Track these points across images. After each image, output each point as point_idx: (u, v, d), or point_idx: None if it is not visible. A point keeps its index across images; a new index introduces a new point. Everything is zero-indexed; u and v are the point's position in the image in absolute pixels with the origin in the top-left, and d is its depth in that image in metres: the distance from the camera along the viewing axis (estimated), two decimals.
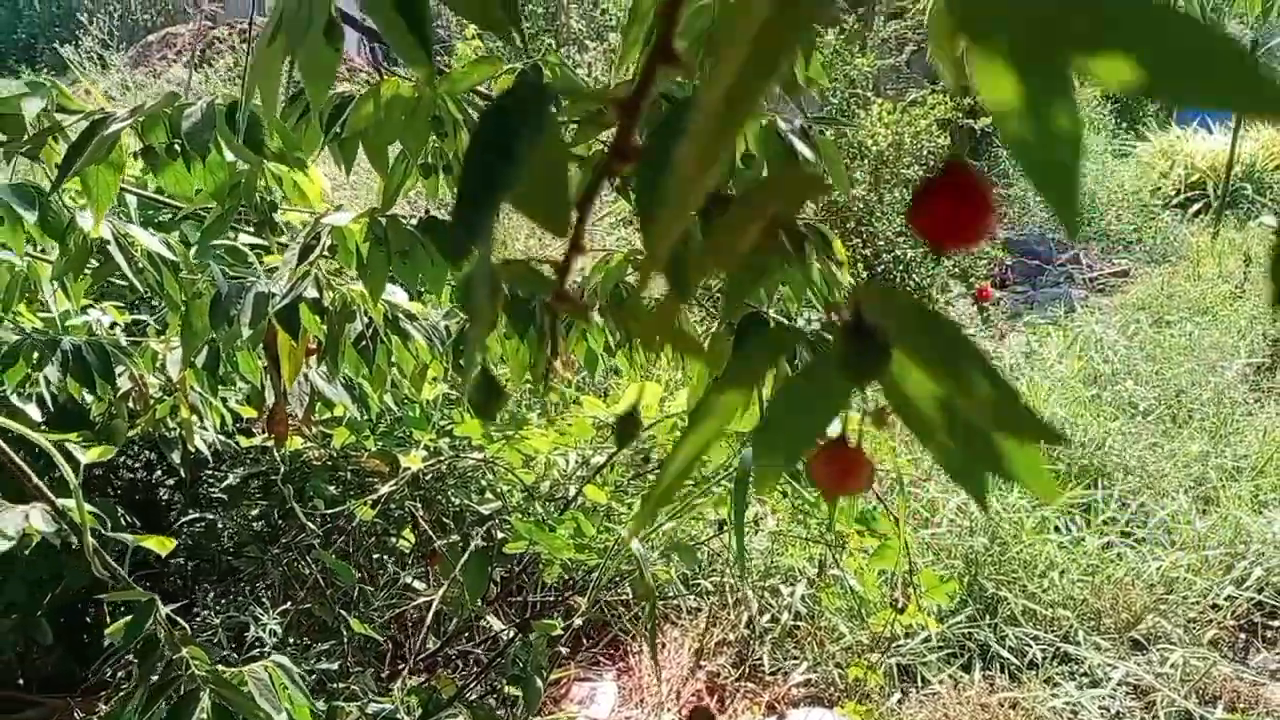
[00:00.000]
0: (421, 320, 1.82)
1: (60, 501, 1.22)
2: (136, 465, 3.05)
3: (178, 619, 1.29)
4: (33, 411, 2.21)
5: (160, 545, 1.37)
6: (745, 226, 0.35)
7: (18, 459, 1.24)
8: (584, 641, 3.93)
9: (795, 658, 3.73)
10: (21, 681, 2.54)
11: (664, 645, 3.87)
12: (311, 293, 1.61)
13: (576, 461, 2.78)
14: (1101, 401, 5.67)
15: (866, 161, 8.72)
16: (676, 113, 0.34)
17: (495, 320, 1.34)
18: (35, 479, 1.23)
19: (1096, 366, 6.24)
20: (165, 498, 3.04)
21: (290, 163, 1.22)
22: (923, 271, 8.39)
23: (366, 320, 1.74)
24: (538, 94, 0.32)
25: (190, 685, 1.14)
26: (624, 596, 3.82)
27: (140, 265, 1.59)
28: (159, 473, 3.06)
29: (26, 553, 2.50)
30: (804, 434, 0.40)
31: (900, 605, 2.25)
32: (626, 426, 0.53)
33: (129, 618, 1.28)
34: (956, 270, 8.82)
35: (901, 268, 8.35)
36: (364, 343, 1.76)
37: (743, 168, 1.12)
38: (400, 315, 1.78)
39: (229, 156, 1.24)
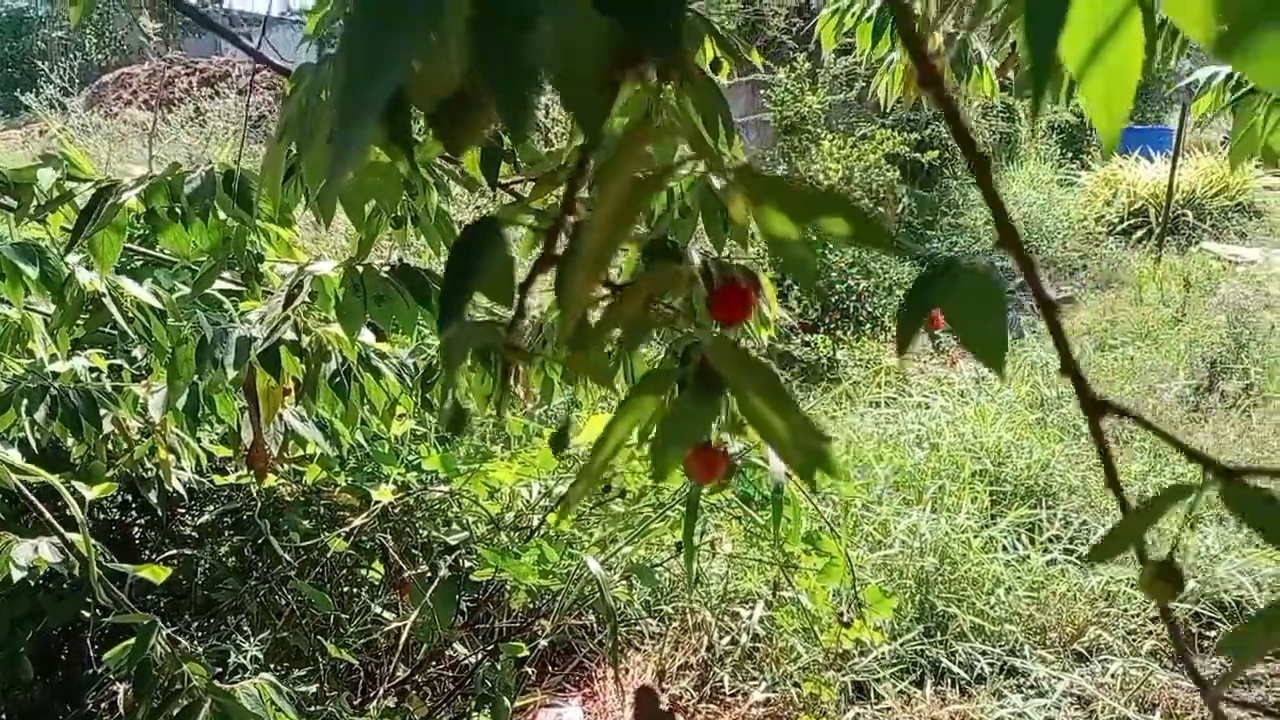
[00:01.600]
0: (391, 358, 1.95)
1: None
2: (110, 505, 3.14)
3: (178, 639, 1.40)
4: (14, 455, 2.30)
5: (154, 574, 1.48)
6: (630, 305, 0.51)
7: (32, 497, 1.35)
8: (550, 669, 4.04)
9: (755, 678, 3.86)
10: (4, 716, 2.62)
11: (627, 670, 3.98)
12: (290, 335, 1.73)
13: (539, 492, 2.90)
14: (1046, 424, 5.88)
15: None
16: (577, 239, 0.50)
17: (466, 367, 1.48)
18: (47, 514, 1.34)
19: (1042, 391, 6.46)
20: (138, 536, 3.13)
21: (281, 222, 1.35)
22: (874, 301, 8.61)
23: (341, 359, 1.87)
24: (491, 226, 0.47)
25: (191, 698, 1.25)
26: (588, 623, 3.94)
27: (130, 314, 1.70)
28: (133, 512, 3.14)
29: (4, 593, 2.58)
30: (686, 440, 0.56)
31: (847, 621, 2.38)
32: (559, 440, 0.69)
33: (130, 641, 1.39)
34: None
35: (854, 298, 8.56)
36: (338, 379, 1.88)
37: (680, 219, 1.27)
38: (373, 354, 1.91)
39: (222, 215, 1.37)
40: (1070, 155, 15.25)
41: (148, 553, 3.04)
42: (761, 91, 10.67)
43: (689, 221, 1.32)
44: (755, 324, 1.66)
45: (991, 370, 0.52)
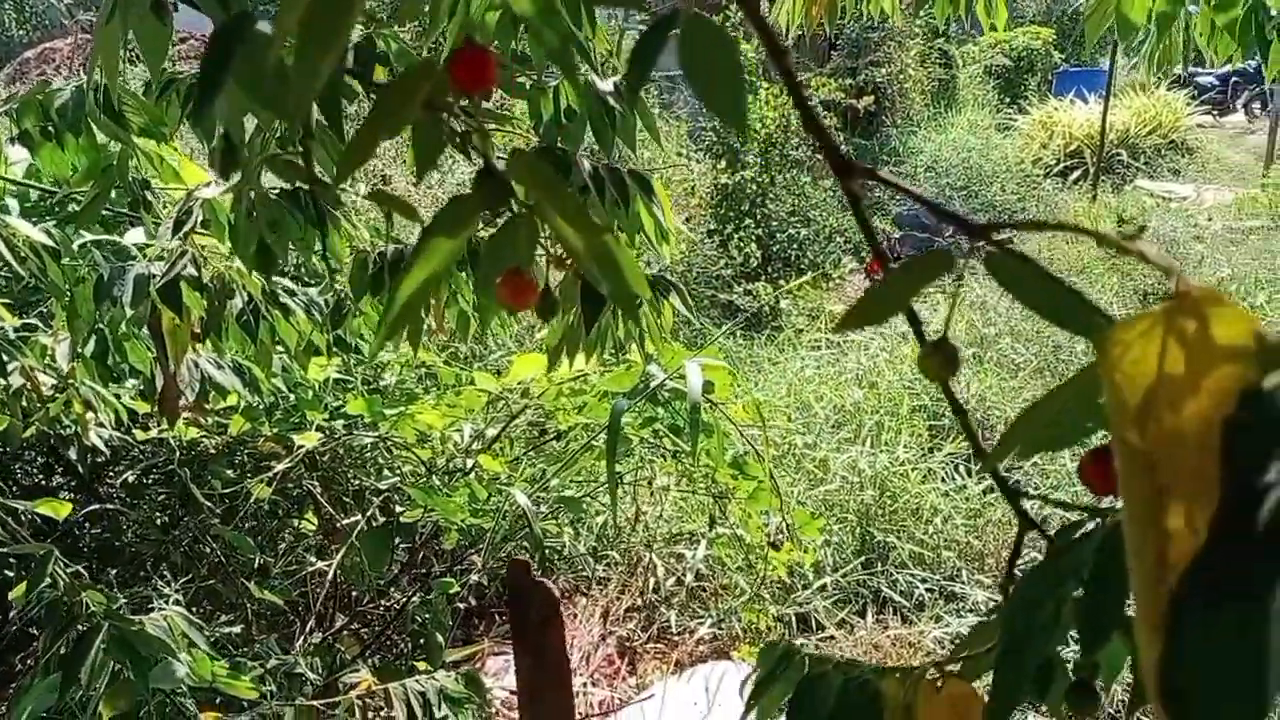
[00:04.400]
0: (299, 294, 1.92)
1: None
2: (33, 470, 3.09)
3: (81, 571, 1.38)
4: None
5: (55, 510, 1.46)
6: (400, 106, 0.50)
7: None
8: (498, 619, 4.06)
9: (700, 615, 3.90)
10: None
11: (574, 615, 4.00)
12: (191, 270, 1.70)
13: (471, 435, 2.89)
14: (983, 360, 5.96)
15: (756, 144, 8.90)
16: None
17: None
18: None
19: (979, 329, 6.53)
20: (66, 499, 3.08)
21: (157, 136, 1.32)
22: (815, 249, 8.65)
23: (247, 296, 1.84)
24: (242, 23, 0.46)
25: (89, 623, 1.23)
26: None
27: (23, 255, 1.66)
28: (56, 476, 3.09)
29: None
30: (499, 266, 0.55)
31: (776, 544, 2.41)
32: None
33: (29, 578, 1.37)
34: (849, 247, 9.13)
35: (795, 246, 8.60)
36: (245, 318, 1.85)
37: (567, 122, 1.26)
38: (280, 290, 1.88)
39: (101, 138, 1.34)
40: (1008, 100, 15.37)
41: (75, 514, 3.00)
42: None
43: (577, 125, 1.31)
44: (655, 238, 1.65)
45: (731, 125, 0.51)
